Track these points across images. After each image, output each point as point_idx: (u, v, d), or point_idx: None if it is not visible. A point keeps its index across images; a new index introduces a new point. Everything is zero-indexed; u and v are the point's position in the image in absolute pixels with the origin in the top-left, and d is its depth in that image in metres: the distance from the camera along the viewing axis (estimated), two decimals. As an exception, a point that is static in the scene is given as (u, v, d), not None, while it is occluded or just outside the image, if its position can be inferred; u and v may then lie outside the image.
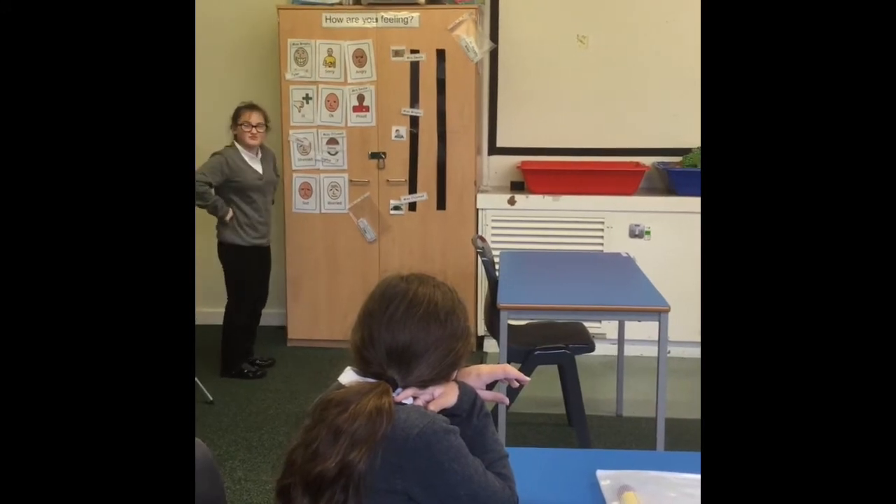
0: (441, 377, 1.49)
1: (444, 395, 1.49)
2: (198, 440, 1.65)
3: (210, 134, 4.55)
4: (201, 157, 4.30)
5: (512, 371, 1.69)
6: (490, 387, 1.66)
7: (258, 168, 4.40)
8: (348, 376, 1.51)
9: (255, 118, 4.32)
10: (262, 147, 4.43)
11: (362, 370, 1.50)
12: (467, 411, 1.51)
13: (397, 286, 1.51)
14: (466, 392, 1.53)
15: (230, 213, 4.31)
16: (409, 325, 1.47)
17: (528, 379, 1.74)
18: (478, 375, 1.61)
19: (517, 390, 3.55)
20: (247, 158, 4.35)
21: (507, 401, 1.81)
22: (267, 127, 4.41)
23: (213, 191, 4.23)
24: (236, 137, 4.34)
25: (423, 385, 1.48)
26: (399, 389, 1.47)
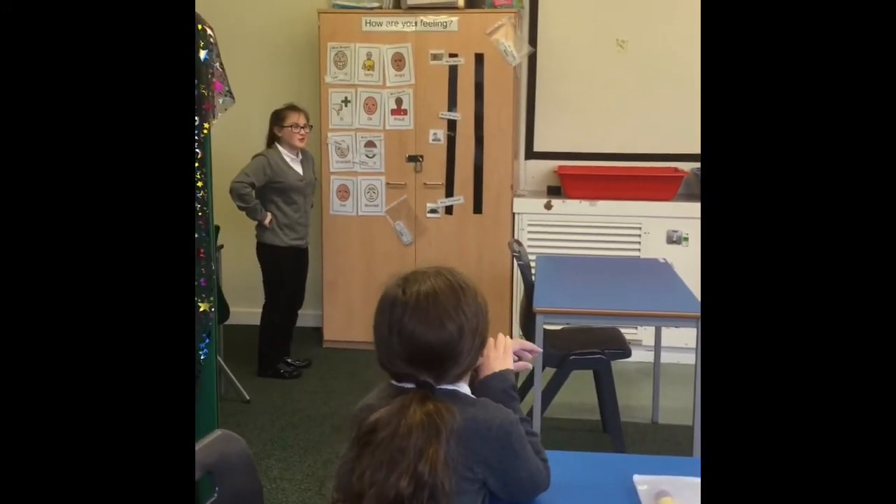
0: (473, 363, 1.54)
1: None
2: (237, 436, 1.67)
3: (251, 136, 4.62)
4: (243, 158, 4.36)
5: (528, 344, 1.78)
6: None
7: (299, 169, 4.45)
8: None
9: (302, 119, 4.39)
10: (301, 149, 4.48)
11: (396, 380, 1.52)
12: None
13: (396, 297, 1.49)
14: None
15: (269, 217, 4.36)
16: (419, 330, 1.46)
17: (539, 349, 1.83)
18: (505, 350, 1.67)
19: (551, 395, 3.55)
20: (288, 160, 4.40)
21: (530, 367, 1.85)
22: (310, 126, 4.47)
23: (253, 193, 4.28)
24: (280, 139, 4.39)
25: (459, 377, 1.51)
26: (444, 386, 1.48)
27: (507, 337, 1.70)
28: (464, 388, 1.52)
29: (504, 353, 1.65)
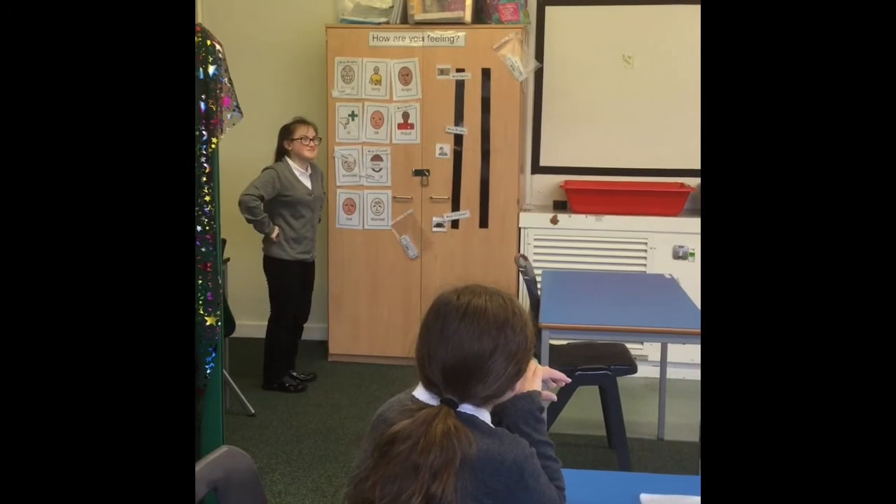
0: (502, 391, 1.50)
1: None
2: (242, 452, 1.67)
3: (259, 150, 4.64)
4: (251, 172, 4.38)
5: (557, 374, 1.74)
6: None
7: (308, 184, 4.46)
8: (419, 391, 1.52)
9: (311, 131, 4.42)
10: (310, 163, 4.50)
11: (426, 388, 1.51)
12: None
13: (449, 301, 1.50)
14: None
15: (276, 231, 4.37)
16: (460, 338, 1.46)
17: (569, 379, 1.78)
18: (535, 373, 1.63)
19: (557, 411, 3.54)
20: (297, 174, 4.42)
21: (554, 398, 1.82)
22: (319, 139, 4.49)
23: (262, 206, 4.29)
24: (290, 153, 4.41)
25: (486, 401, 1.49)
26: (467, 408, 1.47)
27: (538, 363, 1.69)
28: (484, 415, 1.50)
29: (534, 376, 1.63)
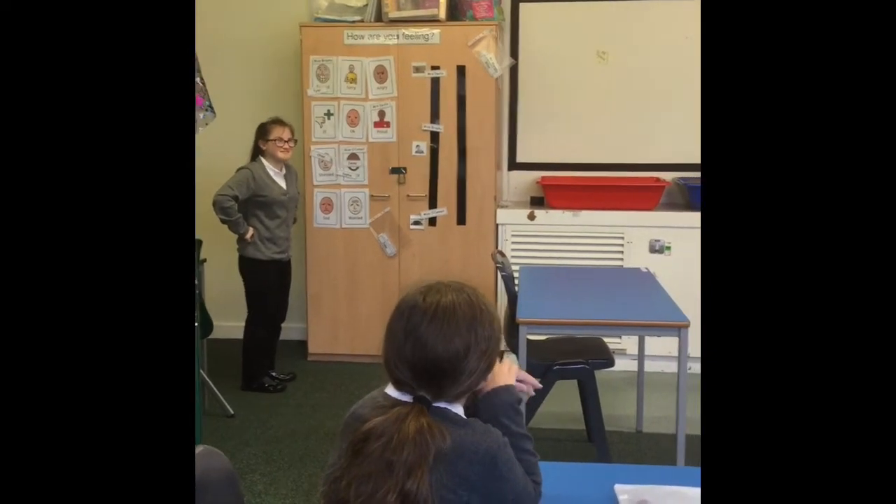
0: (474, 386, 1.51)
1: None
2: (218, 452, 1.66)
3: (234, 149, 4.61)
4: (226, 172, 4.36)
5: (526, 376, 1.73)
6: None
7: (282, 184, 4.45)
8: (391, 388, 1.52)
9: (286, 133, 4.39)
10: (285, 163, 4.48)
11: (396, 388, 1.50)
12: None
13: (415, 301, 1.49)
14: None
15: (251, 232, 4.35)
16: (430, 340, 1.46)
17: (539, 385, 1.78)
18: (510, 369, 1.64)
19: (535, 406, 3.56)
20: (272, 174, 4.40)
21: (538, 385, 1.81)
22: (295, 141, 4.47)
23: (236, 206, 4.27)
24: (264, 153, 4.39)
25: (458, 397, 1.50)
26: (441, 403, 1.48)
27: (511, 362, 1.69)
28: (456, 408, 1.50)
29: (508, 371, 1.63)
